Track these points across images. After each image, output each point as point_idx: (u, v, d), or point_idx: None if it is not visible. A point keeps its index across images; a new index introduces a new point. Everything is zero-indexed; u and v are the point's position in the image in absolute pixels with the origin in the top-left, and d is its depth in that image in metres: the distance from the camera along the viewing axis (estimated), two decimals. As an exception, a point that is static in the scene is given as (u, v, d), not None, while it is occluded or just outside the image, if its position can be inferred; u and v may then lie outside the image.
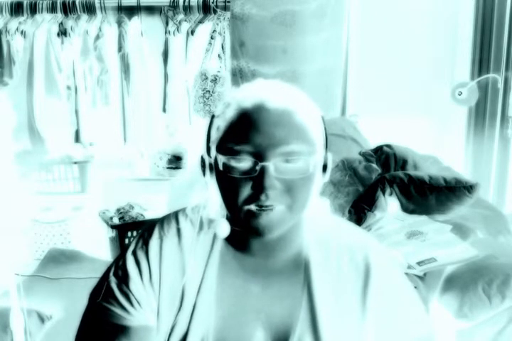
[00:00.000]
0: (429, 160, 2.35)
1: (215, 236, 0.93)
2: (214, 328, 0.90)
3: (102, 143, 3.16)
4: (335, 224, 0.98)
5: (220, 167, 0.82)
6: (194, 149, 3.17)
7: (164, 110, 3.10)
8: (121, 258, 0.95)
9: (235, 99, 0.84)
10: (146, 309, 0.91)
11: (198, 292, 0.90)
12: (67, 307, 1.92)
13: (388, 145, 2.32)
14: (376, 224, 1.97)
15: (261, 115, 0.81)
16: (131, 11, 3.02)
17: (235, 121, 0.82)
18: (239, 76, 2.92)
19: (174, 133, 3.19)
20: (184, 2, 2.98)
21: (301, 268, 0.92)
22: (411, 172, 2.09)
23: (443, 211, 2.00)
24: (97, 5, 2.99)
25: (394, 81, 2.95)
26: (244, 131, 0.80)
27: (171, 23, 2.99)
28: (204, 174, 0.90)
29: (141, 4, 3.00)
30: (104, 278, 0.95)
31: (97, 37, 2.97)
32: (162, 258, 0.92)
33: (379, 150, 2.31)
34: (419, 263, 1.75)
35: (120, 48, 2.99)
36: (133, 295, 0.91)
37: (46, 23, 3.00)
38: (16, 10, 3.03)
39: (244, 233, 0.88)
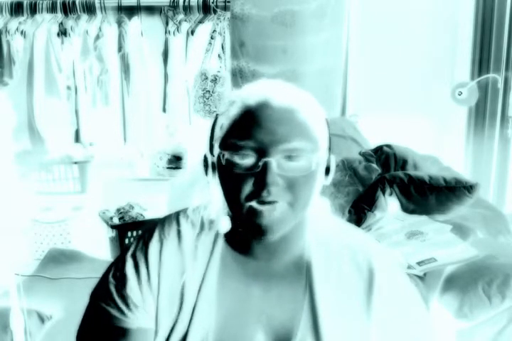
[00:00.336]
0: (429, 160, 2.34)
1: (216, 238, 0.93)
2: (214, 330, 0.89)
3: (102, 143, 3.16)
4: (335, 225, 0.98)
5: (223, 162, 0.83)
6: (194, 149, 3.17)
7: (164, 110, 3.10)
8: (121, 259, 0.95)
9: (239, 97, 0.85)
10: (144, 312, 0.91)
11: (198, 294, 0.90)
12: (67, 307, 1.92)
13: (388, 145, 2.32)
14: (376, 224, 1.97)
15: (264, 112, 0.82)
16: (131, 11, 3.01)
17: (239, 118, 0.83)
18: (239, 76, 2.91)
19: (174, 133, 3.18)
20: (184, 2, 2.97)
21: (302, 271, 0.91)
22: (411, 172, 2.09)
23: (443, 211, 2.00)
24: (97, 5, 2.99)
25: (394, 81, 2.95)
26: (248, 128, 0.81)
27: (171, 23, 2.99)
28: (206, 173, 0.90)
29: (141, 4, 3.00)
30: (104, 279, 0.95)
31: (97, 37, 2.97)
32: (162, 261, 0.91)
33: (379, 150, 2.31)
34: (419, 263, 1.74)
35: (120, 48, 2.99)
36: (131, 298, 0.91)
37: (46, 23, 3.00)
38: (16, 10, 3.03)
39: (246, 234, 0.88)
